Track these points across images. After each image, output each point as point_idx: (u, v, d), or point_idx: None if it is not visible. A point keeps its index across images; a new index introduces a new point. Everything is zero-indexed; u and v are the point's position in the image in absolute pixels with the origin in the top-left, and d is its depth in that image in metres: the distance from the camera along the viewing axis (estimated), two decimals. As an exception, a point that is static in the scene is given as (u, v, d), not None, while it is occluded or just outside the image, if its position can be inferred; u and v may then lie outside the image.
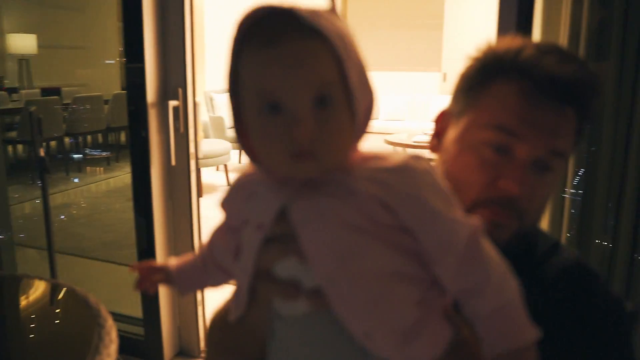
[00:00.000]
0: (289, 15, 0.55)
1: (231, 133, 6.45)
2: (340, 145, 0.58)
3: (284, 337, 0.64)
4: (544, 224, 1.88)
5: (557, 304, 0.80)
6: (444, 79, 7.90)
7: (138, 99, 2.13)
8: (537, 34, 1.78)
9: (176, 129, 2.19)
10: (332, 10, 0.59)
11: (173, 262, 0.79)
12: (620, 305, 0.84)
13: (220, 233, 0.74)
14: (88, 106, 6.89)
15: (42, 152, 2.04)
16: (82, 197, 5.91)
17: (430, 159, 0.61)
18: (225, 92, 0.62)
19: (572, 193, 1.85)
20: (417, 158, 0.60)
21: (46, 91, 7.71)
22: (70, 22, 8.61)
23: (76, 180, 6.46)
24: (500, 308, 0.58)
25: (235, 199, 0.68)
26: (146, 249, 2.32)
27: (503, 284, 0.59)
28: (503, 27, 1.67)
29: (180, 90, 2.18)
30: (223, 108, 6.94)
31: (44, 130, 6.08)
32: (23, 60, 8.61)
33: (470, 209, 0.77)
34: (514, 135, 0.76)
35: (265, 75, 0.56)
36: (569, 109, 0.77)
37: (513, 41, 0.82)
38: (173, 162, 2.22)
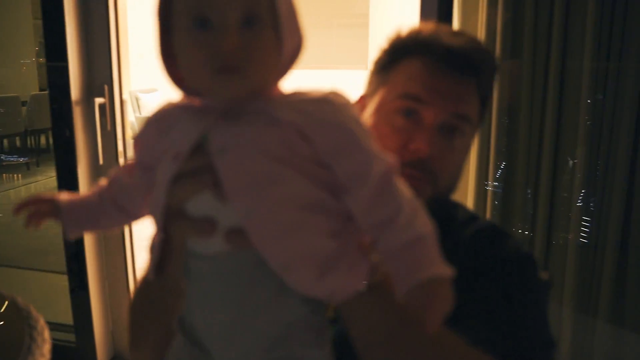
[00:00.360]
0: None
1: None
2: (265, 65, 0.59)
3: (199, 276, 0.63)
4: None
5: (473, 260, 0.88)
6: (371, 76, 8.07)
7: (62, 97, 2.06)
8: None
9: (103, 127, 2.13)
10: None
11: (64, 195, 0.74)
12: (529, 256, 0.92)
13: (127, 170, 0.72)
14: (2, 109, 6.53)
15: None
16: (1, 204, 5.60)
17: (346, 94, 0.63)
18: (154, 17, 0.62)
19: (494, 185, 1.97)
20: (338, 93, 0.62)
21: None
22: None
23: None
24: (411, 242, 0.59)
25: (152, 133, 0.66)
26: (75, 252, 2.25)
27: (415, 218, 0.60)
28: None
29: (106, 87, 2.12)
30: (149, 108, 6.78)
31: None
32: None
33: None
34: (420, 100, 0.85)
35: None
36: (467, 77, 0.87)
37: (415, 26, 0.93)
38: (101, 161, 2.16)
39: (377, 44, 0.96)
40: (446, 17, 1.74)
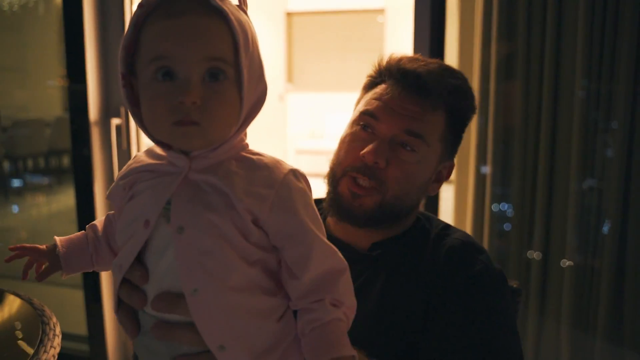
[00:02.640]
0: None
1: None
2: (224, 120, 0.61)
3: (146, 329, 0.66)
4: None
5: (445, 279, 0.95)
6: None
7: (81, 117, 2.17)
8: (452, 58, 1.98)
9: (119, 147, 2.25)
10: (240, 5, 0.65)
11: (60, 242, 0.77)
12: (498, 272, 0.97)
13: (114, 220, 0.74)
14: (28, 130, 6.75)
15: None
16: (22, 221, 5.76)
17: (306, 177, 0.67)
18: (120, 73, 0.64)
19: (493, 207, 2.02)
20: (298, 175, 0.65)
21: (-18, 114, 7.48)
22: (6, 43, 8.39)
23: (15, 205, 6.29)
24: (329, 322, 0.62)
25: (119, 191, 0.69)
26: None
27: (341, 306, 0.63)
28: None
29: (122, 108, 2.22)
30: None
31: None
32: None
33: (340, 177, 0.96)
34: (374, 117, 0.96)
35: (164, 41, 0.59)
36: (427, 100, 0.96)
37: (392, 54, 1.03)
38: (116, 180, 2.27)
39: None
40: (438, 47, 1.82)
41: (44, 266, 0.76)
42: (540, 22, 1.84)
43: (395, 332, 0.92)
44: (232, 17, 0.60)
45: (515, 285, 1.09)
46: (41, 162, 7.66)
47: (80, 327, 2.48)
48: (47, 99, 8.49)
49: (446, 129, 0.99)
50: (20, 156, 6.94)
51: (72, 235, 0.78)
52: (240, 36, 0.60)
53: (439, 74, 0.97)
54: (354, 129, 0.99)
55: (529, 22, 1.86)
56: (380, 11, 8.19)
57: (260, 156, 0.66)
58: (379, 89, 1.00)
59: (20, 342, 0.98)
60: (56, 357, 0.95)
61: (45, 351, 0.94)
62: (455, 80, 0.99)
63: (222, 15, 0.60)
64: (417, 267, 0.97)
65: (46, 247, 0.76)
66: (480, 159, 2.00)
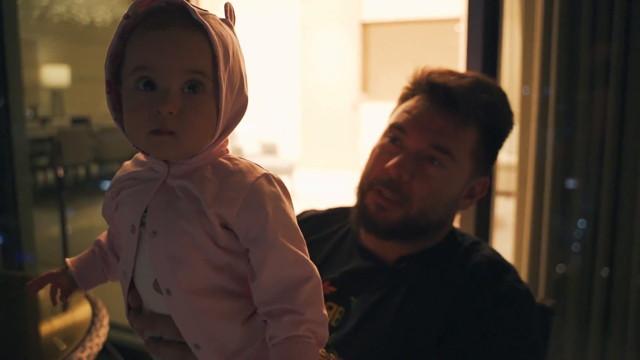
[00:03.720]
0: (181, 8, 0.62)
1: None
2: (200, 131, 0.63)
3: None
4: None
5: (469, 298, 0.93)
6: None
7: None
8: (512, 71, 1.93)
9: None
10: (226, 19, 0.66)
11: (70, 263, 0.80)
12: (524, 293, 0.94)
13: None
14: (114, 136, 7.21)
15: (61, 173, 2.22)
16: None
17: (281, 182, 0.67)
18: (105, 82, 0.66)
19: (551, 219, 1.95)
20: (271, 179, 0.65)
21: (77, 121, 8.07)
22: (100, 56, 8.98)
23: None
24: (292, 337, 0.60)
25: (108, 200, 0.72)
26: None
27: (311, 324, 0.61)
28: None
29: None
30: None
31: (71, 157, 6.40)
32: (56, 91, 9.01)
33: (366, 190, 0.97)
34: (403, 130, 0.96)
35: (146, 52, 0.61)
36: (457, 115, 0.94)
37: (427, 66, 1.02)
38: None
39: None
40: (491, 59, 1.79)
41: (63, 286, 0.80)
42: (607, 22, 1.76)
43: (412, 346, 0.91)
44: (213, 32, 0.62)
45: (548, 304, 1.05)
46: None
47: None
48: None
49: (478, 145, 0.97)
50: (107, 160, 7.42)
51: (82, 254, 0.82)
52: (220, 50, 0.62)
53: (470, 89, 0.95)
54: (383, 141, 1.00)
55: (593, 28, 1.78)
56: (457, 20, 8.07)
57: (236, 161, 0.67)
58: (411, 101, 1.00)
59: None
60: (100, 345, 1.04)
61: (90, 339, 1.03)
62: (487, 95, 0.97)
63: (203, 30, 0.62)
64: (441, 282, 0.96)
65: (60, 269, 0.80)
66: (539, 172, 1.94)
